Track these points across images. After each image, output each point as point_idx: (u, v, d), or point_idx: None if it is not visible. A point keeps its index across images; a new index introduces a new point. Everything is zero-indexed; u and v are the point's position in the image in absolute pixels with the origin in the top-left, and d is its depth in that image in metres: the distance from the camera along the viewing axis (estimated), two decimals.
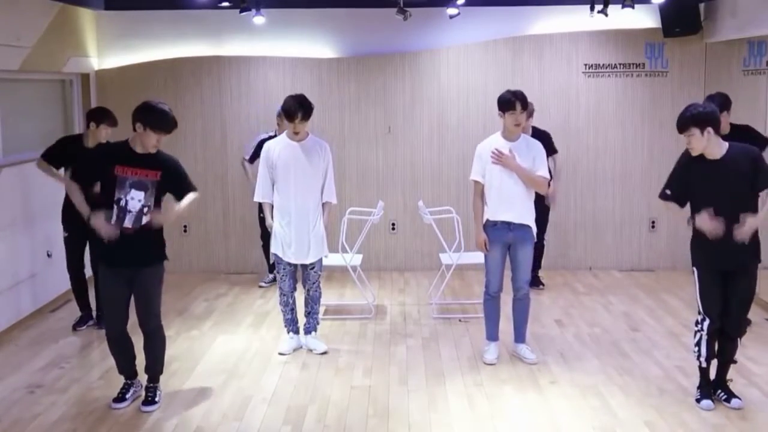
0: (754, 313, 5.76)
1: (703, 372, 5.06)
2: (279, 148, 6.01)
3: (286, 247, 6.00)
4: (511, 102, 5.64)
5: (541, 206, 7.59)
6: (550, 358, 5.98)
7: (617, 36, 8.68)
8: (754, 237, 4.86)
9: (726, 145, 4.82)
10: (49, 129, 7.86)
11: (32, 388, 5.49)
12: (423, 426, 4.84)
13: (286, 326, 6.27)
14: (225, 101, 8.80)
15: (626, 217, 8.82)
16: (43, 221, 7.30)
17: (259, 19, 7.92)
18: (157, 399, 5.16)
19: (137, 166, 4.92)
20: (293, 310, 6.22)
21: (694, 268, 5.01)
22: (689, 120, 4.74)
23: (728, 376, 5.11)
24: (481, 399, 5.23)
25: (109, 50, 8.77)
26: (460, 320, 7.00)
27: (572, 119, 8.71)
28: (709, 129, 4.72)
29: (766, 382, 5.42)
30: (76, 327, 6.78)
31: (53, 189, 6.76)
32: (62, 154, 6.46)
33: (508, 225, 5.74)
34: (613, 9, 7.78)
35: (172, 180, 5.04)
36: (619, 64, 8.72)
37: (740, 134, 5.71)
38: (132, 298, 5.08)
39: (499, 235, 5.77)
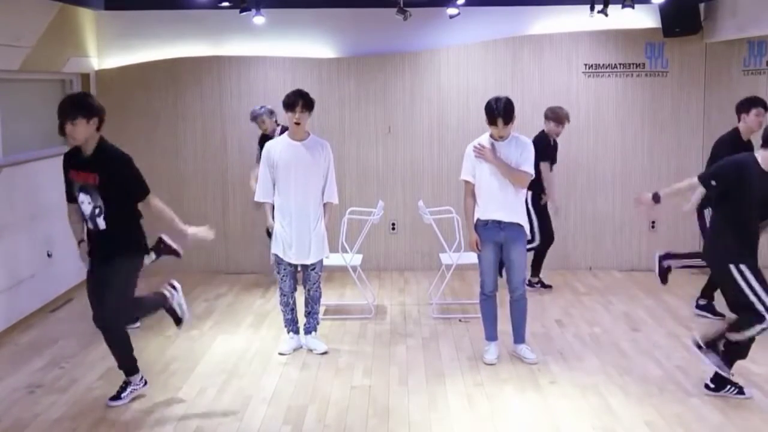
0: None
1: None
2: (280, 148, 6.00)
3: (287, 247, 5.99)
4: (494, 117, 5.62)
5: (539, 208, 7.61)
6: (550, 358, 5.98)
7: (617, 36, 8.68)
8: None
9: None
10: (49, 129, 7.83)
11: (32, 388, 5.49)
12: (423, 426, 4.84)
13: (286, 326, 6.27)
14: (225, 101, 8.79)
15: (626, 217, 8.82)
16: (43, 221, 7.30)
17: (259, 19, 7.92)
18: (122, 395, 5.18)
19: (82, 169, 4.97)
20: (293, 310, 6.22)
21: (741, 266, 4.89)
22: None
23: (731, 371, 5.13)
24: (481, 399, 5.23)
25: (109, 50, 8.77)
26: (460, 320, 7.00)
27: (572, 119, 8.68)
28: None
29: (766, 381, 5.42)
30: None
31: (53, 189, 6.75)
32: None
33: (498, 224, 5.73)
34: (613, 9, 7.78)
35: (113, 183, 4.93)
36: (619, 64, 8.73)
37: None
38: None
39: (491, 234, 5.77)
